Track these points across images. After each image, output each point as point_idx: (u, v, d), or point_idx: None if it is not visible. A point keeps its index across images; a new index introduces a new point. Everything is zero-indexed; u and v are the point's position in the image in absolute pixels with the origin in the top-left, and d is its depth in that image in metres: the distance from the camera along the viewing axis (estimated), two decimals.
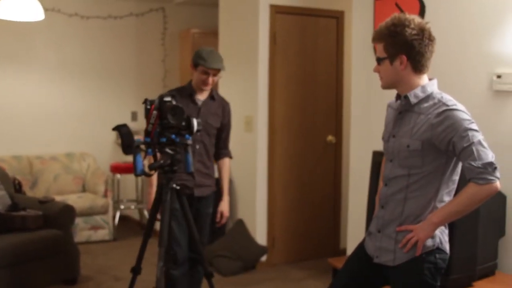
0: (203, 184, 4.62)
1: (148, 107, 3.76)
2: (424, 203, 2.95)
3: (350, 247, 5.51)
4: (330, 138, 6.99)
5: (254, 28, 6.59)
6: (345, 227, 6.48)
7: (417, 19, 2.91)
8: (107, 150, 8.86)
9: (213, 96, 4.65)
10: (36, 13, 6.13)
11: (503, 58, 4.17)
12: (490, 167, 2.74)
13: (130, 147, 3.88)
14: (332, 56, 7.00)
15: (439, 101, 2.86)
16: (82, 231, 7.63)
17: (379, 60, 2.95)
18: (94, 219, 7.74)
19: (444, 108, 2.81)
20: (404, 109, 2.96)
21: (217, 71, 4.51)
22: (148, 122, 3.76)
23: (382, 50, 2.92)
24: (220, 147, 4.78)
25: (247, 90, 6.76)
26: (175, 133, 3.78)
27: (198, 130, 3.82)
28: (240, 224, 6.76)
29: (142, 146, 3.76)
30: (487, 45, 4.27)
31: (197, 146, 4.51)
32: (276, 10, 6.56)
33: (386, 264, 3.05)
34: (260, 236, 6.68)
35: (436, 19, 4.57)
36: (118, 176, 8.46)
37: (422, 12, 4.71)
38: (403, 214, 2.99)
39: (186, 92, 4.59)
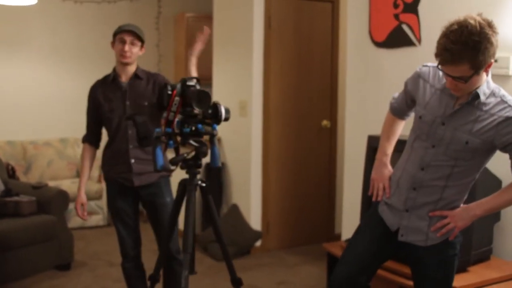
0: (144, 171, 4.20)
1: (170, 92, 3.43)
2: (462, 190, 2.99)
3: (345, 232, 5.49)
4: (325, 122, 6.97)
5: (248, 12, 6.55)
6: (339, 212, 6.47)
7: (478, 17, 2.74)
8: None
9: (137, 75, 4.27)
10: None
11: (499, 42, 4.13)
12: None
13: (147, 138, 3.68)
14: (327, 41, 6.97)
15: (503, 101, 2.82)
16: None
17: (463, 79, 2.70)
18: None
19: None
20: (466, 102, 2.85)
21: (133, 38, 4.19)
22: (169, 110, 3.42)
23: (468, 69, 2.66)
24: None
25: (241, 75, 6.73)
26: (200, 122, 3.42)
27: (226, 118, 3.43)
28: (235, 209, 6.75)
29: (163, 138, 3.46)
30: None
31: (129, 132, 4.15)
32: None
33: (415, 244, 3.06)
34: (255, 221, 6.66)
35: (431, 3, 4.54)
36: None
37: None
38: (440, 200, 2.99)
39: (110, 77, 4.30)
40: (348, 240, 4.67)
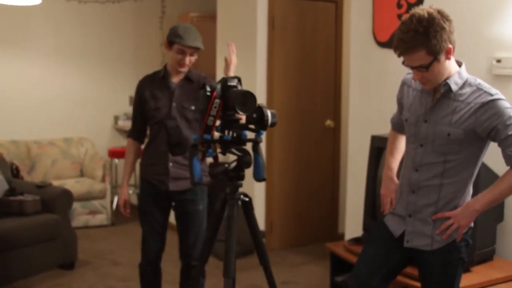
0: (180, 177, 4.11)
1: (209, 94, 2.99)
2: (460, 187, 2.99)
3: (348, 232, 5.50)
4: (328, 122, 6.97)
5: (252, 12, 6.56)
6: (343, 212, 6.47)
7: (427, 8, 2.82)
8: (105, 135, 8.85)
9: (189, 77, 4.17)
10: None
11: (502, 42, 4.14)
12: None
13: (180, 145, 3.40)
14: (330, 41, 6.98)
15: (479, 89, 2.88)
16: (80, 216, 7.63)
17: (424, 67, 2.80)
18: (92, 204, 7.73)
19: (490, 98, 2.83)
20: (442, 96, 2.92)
21: (194, 50, 4.06)
22: (207, 114, 2.97)
23: (425, 55, 2.76)
24: None
25: (245, 75, 6.68)
26: (243, 127, 3.03)
27: (272, 124, 2.98)
28: (238, 209, 6.74)
29: (200, 146, 3.05)
30: (487, 29, 4.24)
31: None
32: None
33: (421, 249, 3.06)
34: (258, 220, 6.58)
35: (435, 3, 4.52)
36: (116, 161, 8.45)
37: None
38: (439, 200, 3.00)
39: (159, 75, 4.19)
40: (351, 240, 4.69)
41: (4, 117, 8.15)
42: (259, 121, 2.99)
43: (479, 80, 2.93)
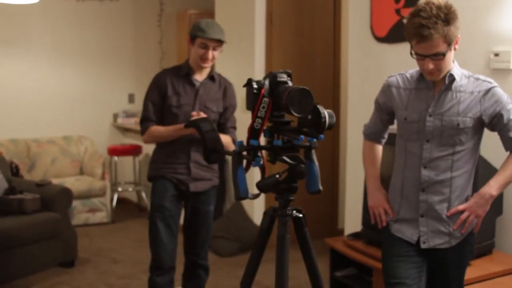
0: (201, 178, 4.12)
1: (256, 91, 2.49)
2: (467, 178, 3.03)
3: (348, 227, 5.50)
4: None
5: (250, 8, 6.56)
6: (342, 208, 6.47)
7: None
8: (105, 133, 8.86)
9: (213, 76, 4.14)
10: None
11: (500, 36, 4.14)
12: None
13: (216, 151, 2.92)
14: (329, 36, 6.97)
15: (476, 79, 2.98)
16: (80, 214, 7.63)
17: (441, 55, 2.82)
18: (92, 202, 7.74)
19: (491, 85, 2.94)
20: (445, 88, 2.95)
21: (217, 44, 3.98)
22: (254, 115, 2.48)
23: (443, 43, 2.78)
24: (225, 126, 4.22)
25: (244, 71, 6.73)
26: (295, 131, 2.54)
27: (330, 125, 2.50)
28: (238, 205, 6.76)
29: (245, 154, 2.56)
30: (485, 23, 4.24)
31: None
32: None
33: (439, 247, 3.05)
34: (258, 217, 6.66)
35: None
36: (116, 158, 8.45)
37: None
38: (451, 193, 3.00)
39: (183, 72, 4.08)
40: (350, 235, 4.69)
41: (3, 116, 8.17)
42: (315, 124, 2.50)
43: (471, 73, 3.01)
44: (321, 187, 2.64)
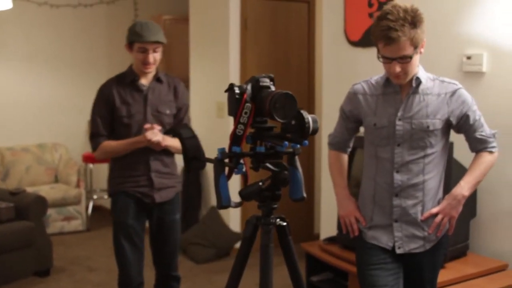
0: (164, 187, 3.96)
1: (238, 96, 2.39)
2: (439, 181, 3.05)
3: (324, 232, 5.50)
4: None
5: (225, 14, 6.55)
6: (318, 212, 6.47)
7: (403, 3, 2.90)
8: (79, 140, 8.79)
9: (159, 78, 3.95)
10: (4, 2, 6.05)
11: (473, 39, 4.17)
12: (494, 136, 3.02)
13: (198, 160, 2.66)
14: (303, 41, 6.98)
15: (442, 81, 3.02)
16: (55, 222, 7.58)
17: (407, 58, 2.84)
18: (67, 210, 7.68)
19: (456, 87, 2.98)
20: (413, 92, 2.97)
21: (156, 46, 3.82)
22: (237, 121, 2.39)
23: (409, 46, 2.80)
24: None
25: (218, 76, 6.73)
26: (278, 137, 2.44)
27: (314, 131, 2.42)
28: (214, 211, 6.73)
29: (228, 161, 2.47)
30: (457, 26, 4.27)
31: None
32: None
33: (414, 252, 3.04)
34: (234, 223, 6.65)
35: (406, 1, 4.55)
36: (91, 166, 8.40)
37: None
38: (424, 197, 3.01)
39: (127, 79, 3.90)
40: (325, 240, 4.69)
41: None
42: (299, 129, 2.41)
43: (434, 75, 3.04)
44: (305, 194, 2.57)
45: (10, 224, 5.63)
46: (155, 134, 3.70)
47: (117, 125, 3.89)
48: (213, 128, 6.63)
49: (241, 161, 2.45)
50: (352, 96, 3.20)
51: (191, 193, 6.93)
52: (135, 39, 3.79)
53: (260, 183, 2.49)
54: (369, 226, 3.13)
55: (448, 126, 2.98)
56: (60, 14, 8.59)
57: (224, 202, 2.43)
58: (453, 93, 2.95)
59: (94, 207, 8.37)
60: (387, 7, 2.86)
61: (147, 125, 3.75)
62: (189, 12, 7.37)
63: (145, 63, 3.83)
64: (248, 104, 2.37)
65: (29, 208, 5.82)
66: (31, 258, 5.70)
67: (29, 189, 6.80)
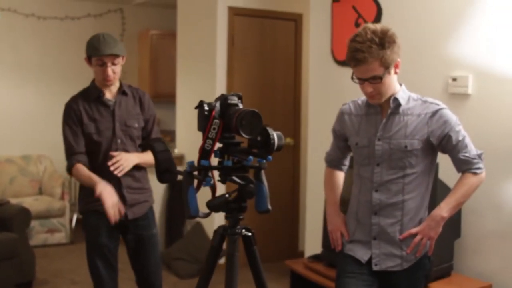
0: (136, 202, 3.85)
1: (207, 113, 2.55)
2: (420, 201, 3.04)
3: (308, 249, 5.52)
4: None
5: (212, 30, 6.58)
6: (303, 230, 6.49)
7: (379, 24, 2.93)
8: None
9: (124, 91, 3.87)
10: None
11: (458, 61, 4.21)
12: (480, 157, 2.98)
13: (170, 172, 2.73)
14: (290, 59, 7.02)
15: (424, 101, 3.02)
16: (38, 234, 7.54)
17: (378, 78, 2.87)
18: (50, 222, 7.65)
19: (438, 107, 2.97)
20: (391, 112, 2.99)
21: (114, 58, 3.73)
22: (205, 137, 2.55)
23: (379, 67, 2.84)
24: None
25: (205, 92, 6.75)
26: (245, 152, 2.60)
27: (279, 147, 2.56)
28: (198, 226, 6.74)
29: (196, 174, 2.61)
30: (442, 48, 4.31)
31: None
32: (234, 12, 6.56)
33: (391, 270, 3.06)
34: None
35: (392, 22, 4.59)
36: None
37: (379, 15, 4.74)
38: (403, 216, 3.03)
39: (93, 95, 3.81)
40: (310, 257, 4.71)
41: None
42: (264, 145, 2.56)
43: (419, 95, 3.05)
44: (270, 207, 2.68)
45: None
46: (111, 195, 3.59)
47: (86, 142, 3.79)
48: (199, 143, 6.62)
49: (209, 174, 2.59)
50: (340, 116, 3.25)
51: (174, 208, 6.93)
52: (92, 53, 3.73)
53: (227, 195, 2.61)
54: (350, 240, 3.19)
55: (430, 146, 2.98)
56: (47, 26, 8.61)
57: (192, 212, 2.56)
58: (434, 113, 2.96)
59: (78, 220, 8.30)
60: (359, 29, 2.91)
61: (113, 153, 3.71)
62: (176, 28, 7.40)
63: (106, 78, 3.75)
64: (216, 121, 2.52)
65: (13, 219, 5.80)
66: (13, 270, 5.67)
67: (13, 200, 6.76)
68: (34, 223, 7.14)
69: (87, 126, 3.76)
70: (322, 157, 4.85)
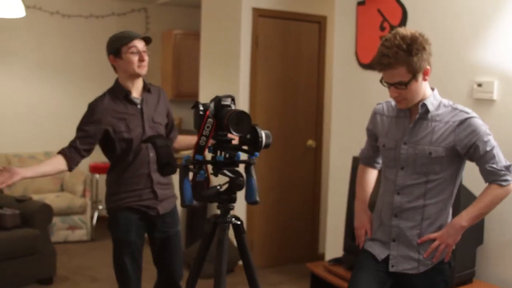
0: (165, 197, 3.91)
1: (202, 113, 2.87)
2: (442, 207, 3.03)
3: (329, 252, 5.51)
4: (310, 142, 7.00)
5: (236, 31, 6.58)
6: (323, 232, 6.49)
7: (410, 29, 2.92)
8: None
9: (149, 89, 3.93)
10: (17, 10, 6.07)
11: (483, 66, 4.18)
12: (508, 169, 2.94)
13: (170, 165, 3.25)
14: (313, 61, 7.01)
15: (454, 108, 2.99)
16: (59, 231, 7.59)
17: (403, 84, 2.87)
18: (71, 219, 7.70)
19: (467, 116, 2.94)
20: (419, 117, 2.99)
21: (144, 44, 3.81)
22: (200, 134, 2.84)
23: (405, 73, 2.84)
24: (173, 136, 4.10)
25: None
26: (236, 148, 2.93)
27: (267, 145, 2.93)
28: None
29: (192, 167, 2.90)
30: (468, 54, 4.28)
31: (151, 154, 3.78)
32: (258, 14, 6.56)
33: (407, 272, 3.07)
34: None
35: (417, 26, 4.57)
36: (97, 176, 8.41)
37: (404, 19, 4.73)
38: (423, 221, 3.03)
39: (120, 95, 3.84)
40: (331, 261, 4.70)
41: None
42: (253, 142, 2.90)
43: (452, 102, 3.03)
44: (258, 199, 2.96)
45: (15, 231, 5.66)
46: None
47: (117, 141, 3.79)
48: None
49: (203, 167, 2.90)
50: (372, 116, 3.27)
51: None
52: (123, 42, 3.75)
53: (218, 187, 2.90)
54: (372, 238, 3.22)
55: (456, 154, 2.96)
56: (72, 24, 8.65)
57: (187, 201, 2.87)
58: (462, 122, 2.93)
59: (99, 218, 8.38)
60: (390, 32, 2.92)
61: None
62: (200, 28, 7.41)
63: (141, 62, 3.77)
64: (210, 120, 2.84)
65: (35, 215, 5.85)
66: (34, 266, 5.72)
67: (35, 197, 6.81)
68: (55, 220, 7.20)
69: (117, 125, 3.77)
70: (344, 161, 4.85)
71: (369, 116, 3.32)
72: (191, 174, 2.89)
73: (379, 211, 3.20)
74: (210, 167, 2.96)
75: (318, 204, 7.14)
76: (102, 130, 3.77)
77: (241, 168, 2.95)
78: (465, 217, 2.96)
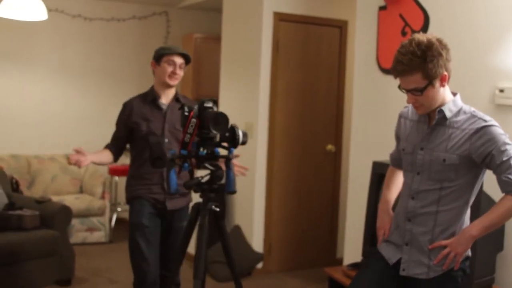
0: (176, 196, 4.19)
1: (186, 113, 3.33)
2: (456, 215, 3.00)
3: (347, 257, 5.49)
4: (329, 147, 6.98)
5: (257, 35, 6.59)
6: (342, 237, 6.46)
7: (428, 35, 2.89)
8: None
9: (178, 99, 4.31)
10: (40, 13, 6.12)
11: (506, 72, 4.15)
12: None
13: (161, 159, 3.62)
14: (334, 66, 7.00)
15: (473, 115, 2.94)
16: (78, 232, 7.62)
17: (418, 91, 2.85)
18: (90, 221, 7.72)
19: (483, 124, 2.88)
20: (436, 123, 2.97)
21: (182, 61, 4.21)
22: (185, 132, 3.33)
23: (421, 79, 2.82)
24: None
25: (248, 96, 6.76)
26: (216, 145, 3.41)
27: (243, 142, 3.46)
28: (237, 230, 6.75)
29: (177, 160, 3.39)
30: (490, 59, 4.26)
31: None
32: (279, 18, 6.56)
33: (417, 277, 3.06)
34: (257, 243, 6.66)
35: (439, 31, 4.55)
36: (116, 178, 8.45)
37: (426, 24, 4.71)
38: (435, 227, 3.01)
39: (149, 98, 4.27)
40: (350, 265, 4.69)
41: (5, 131, 8.18)
42: (231, 140, 3.42)
43: (473, 109, 2.99)
44: (236, 189, 3.41)
45: (34, 232, 5.67)
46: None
47: (136, 138, 4.25)
48: (241, 148, 6.62)
49: (188, 161, 3.37)
50: (398, 119, 3.27)
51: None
52: (165, 51, 4.18)
53: (200, 178, 3.39)
54: (387, 239, 3.22)
55: (472, 162, 2.92)
56: (93, 27, 8.70)
57: (172, 190, 3.35)
58: (478, 130, 2.87)
59: (117, 220, 8.41)
60: (406, 38, 2.90)
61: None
62: (221, 31, 7.42)
63: (173, 75, 4.19)
64: (194, 120, 3.32)
65: (54, 217, 5.87)
66: (53, 267, 5.73)
67: (54, 198, 6.84)
68: (74, 221, 7.23)
69: (139, 124, 4.21)
70: (364, 166, 4.84)
71: (389, 121, 3.31)
72: (177, 167, 3.38)
73: (396, 214, 3.20)
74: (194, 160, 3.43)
75: (337, 209, 7.12)
76: (128, 127, 4.27)
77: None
78: (476, 227, 2.93)
